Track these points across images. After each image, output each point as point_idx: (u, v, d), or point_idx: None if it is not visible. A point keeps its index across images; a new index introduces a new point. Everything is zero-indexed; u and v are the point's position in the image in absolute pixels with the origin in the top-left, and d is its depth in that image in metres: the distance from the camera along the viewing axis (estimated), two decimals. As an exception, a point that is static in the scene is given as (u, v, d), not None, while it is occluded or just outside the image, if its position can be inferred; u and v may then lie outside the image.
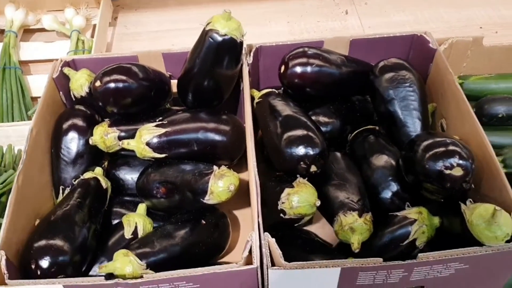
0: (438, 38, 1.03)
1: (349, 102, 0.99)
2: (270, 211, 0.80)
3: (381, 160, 0.85)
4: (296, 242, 0.83)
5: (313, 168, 0.79)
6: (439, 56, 0.95)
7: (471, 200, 0.70)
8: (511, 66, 1.12)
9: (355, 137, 0.94)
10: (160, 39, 1.45)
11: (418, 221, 0.74)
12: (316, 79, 0.93)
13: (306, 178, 0.79)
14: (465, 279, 0.71)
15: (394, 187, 0.82)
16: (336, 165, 0.86)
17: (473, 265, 0.68)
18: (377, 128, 0.95)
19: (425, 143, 0.73)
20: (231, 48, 0.86)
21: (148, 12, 1.56)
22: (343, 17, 1.47)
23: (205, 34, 0.86)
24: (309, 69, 0.92)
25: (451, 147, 0.70)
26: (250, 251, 0.68)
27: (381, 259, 0.66)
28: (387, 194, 0.82)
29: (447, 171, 0.69)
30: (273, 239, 0.69)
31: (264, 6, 1.52)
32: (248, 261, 0.68)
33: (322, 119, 0.94)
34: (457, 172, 0.69)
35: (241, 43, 0.88)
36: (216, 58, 0.87)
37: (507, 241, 0.67)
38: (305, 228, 0.95)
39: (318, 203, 0.75)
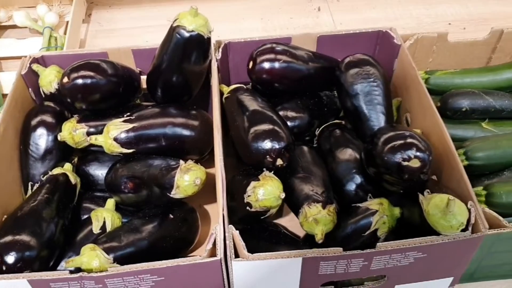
0: (404, 34, 1.06)
1: (317, 97, 1.01)
2: (238, 204, 0.81)
3: (346, 153, 0.87)
4: (263, 235, 0.84)
5: (279, 162, 0.81)
6: (403, 52, 0.97)
7: (428, 190, 0.72)
8: (475, 61, 1.14)
9: (322, 131, 0.96)
10: (134, 36, 1.45)
11: (379, 212, 0.76)
12: (284, 74, 0.95)
13: (272, 172, 0.81)
14: (424, 267, 0.73)
15: (358, 179, 0.84)
16: (302, 159, 0.88)
17: (430, 253, 0.70)
18: (343, 122, 0.97)
19: (385, 136, 0.75)
20: (199, 44, 0.87)
21: (122, 9, 1.56)
22: (315, 14, 1.48)
23: (172, 30, 0.87)
24: (276, 64, 0.94)
25: (409, 140, 0.73)
26: (215, 244, 0.69)
27: (341, 249, 0.68)
28: (351, 187, 0.84)
29: (405, 163, 0.71)
30: (237, 232, 0.70)
31: (238, 3, 1.53)
32: (212, 253, 0.69)
33: (290, 114, 0.96)
34: (415, 163, 0.71)
35: (209, 39, 0.88)
36: (184, 54, 0.88)
37: (463, 230, 0.69)
38: (275, 221, 0.97)
39: (283, 195, 0.77)
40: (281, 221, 0.97)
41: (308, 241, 0.82)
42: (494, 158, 0.92)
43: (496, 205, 0.85)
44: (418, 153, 0.71)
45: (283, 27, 1.44)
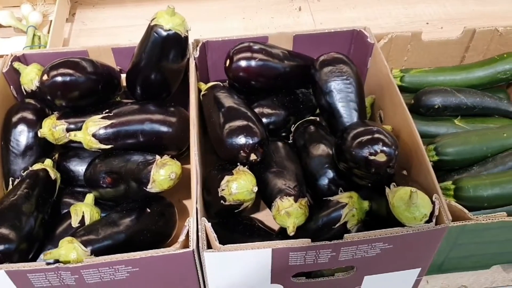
0: (378, 33, 1.09)
1: (293, 94, 1.03)
2: (213, 198, 0.84)
3: (319, 149, 0.90)
4: (237, 228, 0.87)
5: (253, 157, 0.83)
6: (376, 51, 1.00)
7: (394, 184, 0.75)
8: (449, 59, 1.18)
9: (297, 128, 0.99)
10: (118, 35, 1.47)
11: (349, 205, 0.79)
12: (260, 72, 0.97)
13: (247, 166, 0.83)
14: (391, 258, 0.76)
15: (330, 174, 0.86)
16: (277, 154, 0.90)
17: (396, 245, 0.73)
18: (317, 119, 1.00)
19: (353, 132, 0.78)
20: (176, 43, 0.89)
21: (106, 8, 1.57)
22: (296, 14, 1.51)
23: (150, 29, 0.89)
24: (253, 63, 0.96)
25: (376, 135, 0.75)
26: (188, 236, 0.72)
27: (309, 240, 0.71)
28: (323, 181, 0.87)
29: (372, 157, 0.74)
30: (209, 224, 0.72)
31: (220, 3, 1.56)
32: (185, 245, 0.71)
33: (266, 110, 0.98)
34: (381, 158, 0.74)
35: (186, 37, 0.91)
36: (161, 52, 0.90)
37: (427, 222, 0.72)
38: (253, 215, 0.99)
39: (255, 189, 0.79)
40: (258, 216, 1.00)
41: (282, 234, 0.85)
42: (463, 154, 0.96)
43: (464, 199, 0.89)
44: (384, 148, 0.74)
45: (264, 26, 1.46)
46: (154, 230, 0.85)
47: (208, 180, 0.87)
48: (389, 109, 0.95)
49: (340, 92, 0.93)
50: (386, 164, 0.74)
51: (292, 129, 1.00)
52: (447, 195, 0.90)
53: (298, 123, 0.99)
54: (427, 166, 0.79)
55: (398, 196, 0.71)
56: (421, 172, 0.81)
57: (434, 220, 0.72)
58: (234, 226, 0.87)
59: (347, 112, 0.93)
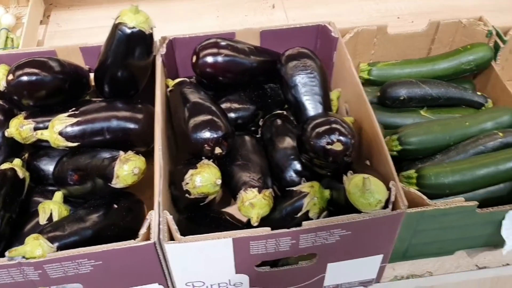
0: (344, 28, 1.11)
1: (261, 89, 1.05)
2: (179, 193, 0.85)
3: (284, 141, 0.92)
4: (204, 221, 0.88)
5: (218, 150, 0.85)
6: (340, 45, 1.02)
7: (351, 172, 0.77)
8: (416, 52, 1.20)
9: (265, 122, 1.00)
10: (92, 35, 1.46)
11: (310, 194, 0.80)
12: (226, 68, 0.99)
13: (212, 160, 0.85)
14: (351, 245, 0.78)
15: (294, 165, 0.88)
16: (243, 148, 0.92)
17: (355, 231, 0.75)
18: (285, 113, 1.01)
19: (312, 123, 0.80)
20: (140, 40, 0.91)
21: (81, 10, 1.58)
22: (270, 11, 1.53)
23: (114, 27, 0.90)
24: (219, 58, 0.97)
25: (333, 125, 0.77)
26: (149, 228, 0.73)
27: (269, 228, 0.72)
28: (288, 172, 0.88)
29: (329, 146, 0.76)
30: (171, 216, 0.74)
31: (195, 2, 1.57)
32: (147, 237, 0.72)
33: (234, 105, 1.00)
34: (338, 147, 0.76)
35: (151, 34, 0.92)
36: (127, 50, 0.91)
37: (385, 208, 0.74)
38: (225, 209, 1.00)
39: (219, 182, 0.80)
40: (229, 209, 1.01)
41: (248, 226, 0.86)
42: (426, 143, 0.98)
43: (426, 187, 0.90)
44: (340, 137, 0.76)
45: (238, 24, 1.48)
46: (122, 225, 0.86)
47: (174, 174, 0.88)
48: (353, 102, 0.97)
49: (304, 86, 0.95)
50: (342, 153, 0.76)
51: (260, 123, 1.01)
52: (410, 184, 0.92)
53: (266, 117, 1.01)
54: (386, 155, 0.81)
55: (354, 183, 0.73)
56: (381, 161, 0.83)
57: (390, 206, 0.74)
58: (201, 219, 0.88)
59: (312, 105, 0.94)
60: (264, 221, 0.80)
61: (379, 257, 0.83)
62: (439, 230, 0.86)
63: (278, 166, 0.90)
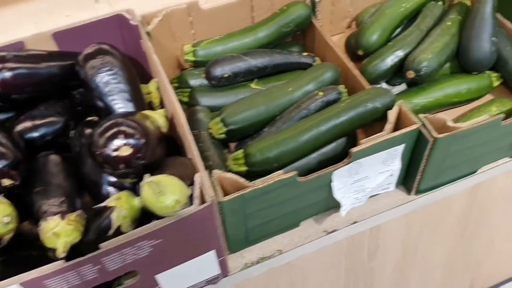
0: (151, 12, 1.02)
1: (68, 97, 0.94)
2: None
3: (92, 153, 0.82)
4: (14, 261, 0.77)
5: (6, 182, 0.74)
6: (142, 32, 0.94)
7: (149, 174, 0.69)
8: (240, 23, 1.13)
9: (75, 133, 0.90)
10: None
11: (117, 208, 0.71)
12: (18, 82, 0.87)
13: (3, 194, 0.74)
14: (171, 251, 0.71)
15: (107, 177, 0.79)
16: (43, 170, 0.81)
17: (166, 237, 0.68)
18: (95, 119, 0.92)
19: (96, 132, 0.71)
20: None
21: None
22: (93, 7, 1.40)
23: None
24: (6, 74, 0.85)
25: (115, 129, 0.69)
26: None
27: (62, 261, 0.63)
28: (102, 186, 0.79)
29: (115, 153, 0.68)
30: None
31: (11, 14, 1.41)
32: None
33: (37, 122, 0.88)
34: (126, 151, 0.68)
35: None
36: None
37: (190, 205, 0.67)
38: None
39: (7, 220, 0.70)
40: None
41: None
42: (251, 119, 0.93)
43: (255, 164, 0.85)
44: (126, 140, 0.68)
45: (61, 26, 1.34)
46: None
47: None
48: (162, 91, 0.90)
49: (107, 85, 0.86)
50: (134, 156, 0.68)
51: (71, 136, 0.91)
52: (239, 165, 0.86)
53: (76, 128, 0.91)
54: (190, 145, 0.74)
55: (145, 188, 0.66)
56: (190, 152, 0.76)
57: (197, 202, 0.68)
58: (10, 260, 0.77)
59: (120, 104, 0.86)
60: (78, 249, 0.71)
61: (212, 253, 0.77)
62: (270, 208, 0.81)
63: (91, 181, 0.81)
